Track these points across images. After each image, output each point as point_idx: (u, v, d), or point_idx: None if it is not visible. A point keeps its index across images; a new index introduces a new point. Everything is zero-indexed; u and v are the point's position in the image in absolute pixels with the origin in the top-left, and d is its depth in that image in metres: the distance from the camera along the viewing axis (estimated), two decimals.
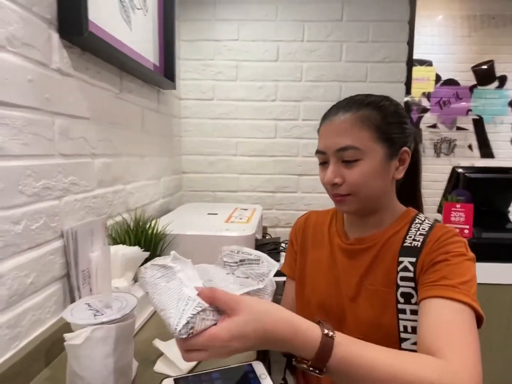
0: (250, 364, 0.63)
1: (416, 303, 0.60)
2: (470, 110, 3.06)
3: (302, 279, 0.76)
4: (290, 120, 1.53)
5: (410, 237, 0.65)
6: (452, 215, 1.40)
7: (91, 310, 0.55)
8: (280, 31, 1.49)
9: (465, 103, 3.06)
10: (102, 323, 0.52)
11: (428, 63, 3.04)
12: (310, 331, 0.43)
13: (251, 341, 0.42)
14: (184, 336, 0.40)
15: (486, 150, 3.08)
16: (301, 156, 1.55)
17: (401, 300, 0.61)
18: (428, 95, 3.04)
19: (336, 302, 0.68)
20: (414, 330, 0.60)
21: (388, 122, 0.64)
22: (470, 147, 3.07)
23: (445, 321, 0.52)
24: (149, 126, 1.18)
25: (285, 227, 1.55)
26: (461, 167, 1.56)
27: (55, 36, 0.68)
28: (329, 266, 0.72)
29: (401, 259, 0.63)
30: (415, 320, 0.59)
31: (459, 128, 3.07)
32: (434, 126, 3.06)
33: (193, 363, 0.63)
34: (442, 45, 3.02)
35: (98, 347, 0.51)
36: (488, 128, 3.08)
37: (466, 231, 1.36)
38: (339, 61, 1.50)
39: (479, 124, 3.07)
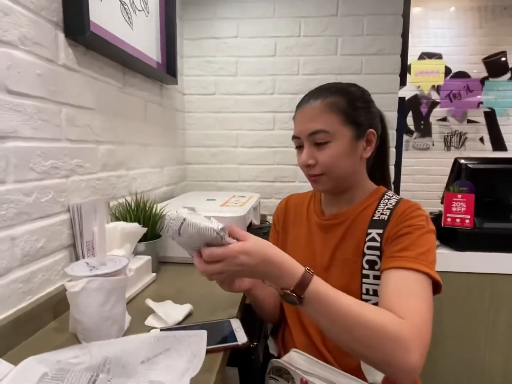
0: (229, 320, 0.72)
1: (379, 270, 0.67)
2: (481, 102, 3.02)
3: None
4: (288, 112, 1.60)
5: (379, 211, 0.71)
6: (453, 205, 1.42)
7: (89, 267, 0.65)
8: (278, 28, 1.56)
9: (476, 95, 3.02)
10: (97, 275, 0.61)
11: (438, 56, 3.02)
12: (297, 265, 0.56)
13: (254, 259, 0.54)
14: (222, 235, 0.53)
15: (498, 143, 3.04)
16: None
17: (366, 266, 0.68)
18: (437, 88, 3.03)
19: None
20: (375, 292, 0.67)
21: (355, 107, 0.70)
22: (481, 140, 3.04)
23: (403, 290, 0.59)
24: (152, 118, 1.28)
25: None
26: (464, 158, 1.57)
27: (61, 36, 0.78)
28: (306, 242, 0.80)
29: (369, 231, 0.70)
30: (377, 284, 0.66)
31: (470, 121, 3.04)
32: (444, 119, 3.04)
33: (181, 318, 0.72)
34: (453, 38, 3.00)
35: (93, 296, 0.61)
36: (501, 120, 3.03)
37: (467, 221, 1.38)
38: (334, 54, 1.55)
39: (491, 117, 3.03)
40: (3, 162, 0.63)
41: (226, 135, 1.66)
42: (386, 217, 0.69)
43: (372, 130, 0.72)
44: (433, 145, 3.04)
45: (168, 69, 1.34)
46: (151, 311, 0.74)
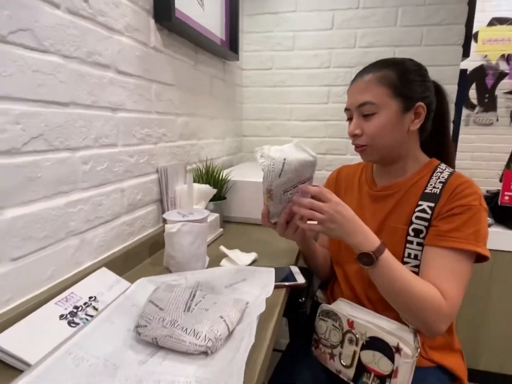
0: (289, 266, 0.85)
1: (423, 238, 0.73)
2: None
3: None
4: (342, 86, 1.64)
5: (431, 184, 0.75)
6: None
7: (180, 214, 0.81)
8: (336, 0, 1.57)
9: None
10: (188, 220, 0.77)
11: (510, 21, 2.75)
12: (373, 233, 0.70)
13: (349, 213, 0.69)
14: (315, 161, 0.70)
15: None
16: None
17: (411, 234, 0.74)
18: (507, 58, 2.78)
19: None
20: (415, 257, 0.74)
21: (406, 80, 0.74)
22: None
23: (448, 270, 0.68)
24: (216, 93, 1.41)
25: None
26: None
27: (152, 22, 0.91)
28: (357, 211, 0.87)
29: (420, 202, 0.75)
30: (419, 250, 0.74)
31: None
32: None
33: (249, 261, 0.86)
34: None
35: (185, 237, 0.77)
36: None
37: None
38: (394, 26, 1.54)
39: None
40: (115, 129, 0.79)
41: (280, 108, 1.75)
42: (438, 190, 0.73)
43: (421, 103, 0.74)
44: (497, 120, 2.84)
45: (231, 45, 1.44)
46: (224, 256, 0.90)
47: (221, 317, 0.55)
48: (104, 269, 0.72)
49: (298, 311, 0.95)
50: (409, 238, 0.75)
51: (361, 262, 0.68)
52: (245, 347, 0.49)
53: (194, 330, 0.52)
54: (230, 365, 0.47)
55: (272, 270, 0.73)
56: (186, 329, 0.52)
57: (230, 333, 0.55)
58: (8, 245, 0.55)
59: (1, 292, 0.55)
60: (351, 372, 0.71)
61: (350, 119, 0.80)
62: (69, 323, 0.57)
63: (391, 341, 0.66)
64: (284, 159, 0.68)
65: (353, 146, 0.81)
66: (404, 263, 0.74)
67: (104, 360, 0.49)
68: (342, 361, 0.73)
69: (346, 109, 0.80)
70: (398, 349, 0.65)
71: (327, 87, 1.67)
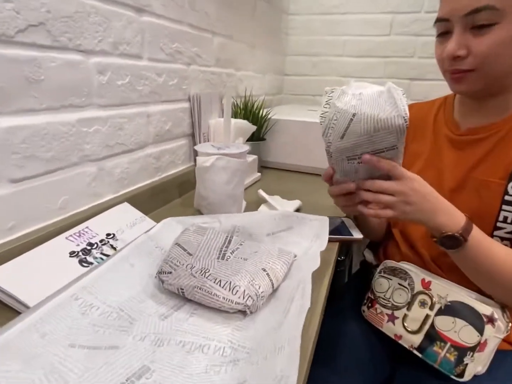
0: (341, 218, 0.71)
1: None
2: None
3: None
4: (410, 13, 1.35)
5: None
6: None
7: (215, 147, 0.67)
8: None
9: None
10: (225, 154, 0.63)
11: None
12: (456, 209, 0.54)
13: (427, 189, 0.53)
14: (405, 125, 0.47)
15: None
16: (417, 57, 1.39)
17: (511, 192, 0.57)
18: None
19: None
20: None
21: None
22: None
23: None
24: (259, 16, 1.19)
25: None
26: None
27: None
28: (430, 158, 0.68)
29: None
30: None
31: None
32: None
33: (292, 210, 0.73)
34: None
35: (220, 174, 0.64)
36: None
37: None
38: None
39: None
40: (140, 36, 0.64)
41: (331, 41, 1.50)
42: None
43: None
44: None
45: None
46: (263, 201, 0.77)
47: (264, 270, 0.44)
48: (126, 204, 0.62)
49: (336, 270, 0.82)
50: (507, 197, 0.57)
51: (444, 246, 0.53)
52: (299, 311, 0.37)
53: (230, 283, 0.41)
54: (278, 332, 0.35)
55: (326, 218, 0.59)
56: (220, 280, 0.41)
57: (274, 291, 0.44)
58: (5, 162, 0.44)
59: (1, 218, 0.45)
60: (417, 339, 0.58)
61: (444, 33, 0.58)
62: (81, 262, 0.47)
63: (483, 309, 0.52)
64: (353, 115, 0.46)
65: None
66: (497, 228, 0.58)
67: (119, 310, 0.39)
68: (406, 324, 0.60)
69: (441, 20, 0.57)
70: (491, 320, 0.51)
71: (390, 14, 1.38)
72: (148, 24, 0.65)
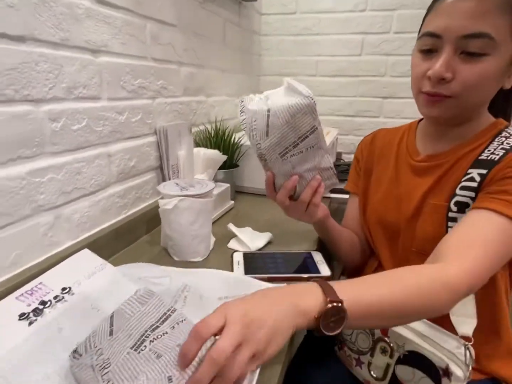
0: (310, 252, 0.70)
1: None
2: None
3: (364, 198, 0.75)
4: (379, 34, 1.38)
5: (489, 150, 0.56)
6: None
7: (178, 187, 0.66)
8: None
9: None
10: (187, 195, 0.62)
11: None
12: (305, 283, 0.42)
13: (250, 299, 0.39)
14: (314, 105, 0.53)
15: None
16: (389, 76, 1.41)
17: (454, 208, 0.56)
18: None
19: (394, 219, 0.66)
20: None
21: None
22: None
23: (478, 232, 0.49)
24: (230, 40, 1.20)
25: None
26: None
27: None
28: (391, 184, 0.69)
29: (470, 170, 0.56)
30: None
31: None
32: None
33: (261, 244, 0.72)
34: None
35: (184, 215, 0.62)
36: None
37: None
38: None
39: None
40: (97, 77, 0.63)
41: (304, 62, 1.51)
42: (497, 157, 0.54)
43: None
44: None
45: None
46: (233, 235, 0.76)
47: (169, 379, 0.33)
48: (86, 250, 0.60)
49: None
50: (450, 214, 0.56)
51: (328, 332, 0.39)
52: None
53: None
54: None
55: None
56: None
57: None
58: None
59: None
60: None
61: (428, 51, 0.55)
62: (31, 323, 0.45)
63: (438, 361, 0.51)
64: (268, 110, 0.53)
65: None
66: None
67: None
68: (372, 372, 0.60)
69: (431, 35, 0.53)
70: (447, 373, 0.50)
71: (361, 35, 1.41)
72: (106, 65, 0.64)
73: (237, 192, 1.08)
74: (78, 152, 0.60)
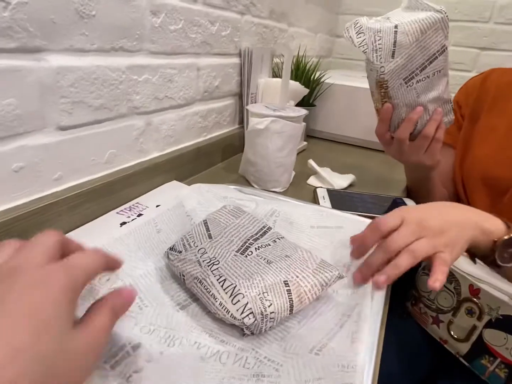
0: (401, 198, 0.64)
1: None
2: None
3: (464, 148, 0.66)
4: None
5: None
6: None
7: (270, 108, 0.61)
8: None
9: None
10: (281, 117, 0.57)
11: None
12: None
13: (426, 209, 0.40)
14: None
15: None
16: (493, 22, 1.21)
17: None
18: None
19: (505, 174, 0.58)
20: None
21: None
22: None
23: None
24: None
25: None
26: None
27: None
28: (507, 136, 0.60)
29: None
30: None
31: None
32: None
33: (345, 184, 0.67)
34: None
35: (273, 138, 0.58)
36: None
37: None
38: None
39: None
40: None
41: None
42: None
43: None
44: None
45: None
46: (312, 173, 0.71)
47: (286, 284, 0.32)
48: (175, 182, 0.59)
49: None
50: None
51: (502, 260, 0.38)
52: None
53: (234, 287, 0.31)
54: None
55: None
56: (225, 280, 0.32)
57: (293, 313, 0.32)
58: (55, 106, 0.40)
59: (48, 167, 0.42)
60: (464, 347, 0.53)
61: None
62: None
63: None
64: (396, 26, 0.47)
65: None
66: None
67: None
68: (452, 331, 0.55)
69: None
70: None
71: None
72: None
73: (308, 136, 1.01)
74: (172, 57, 0.56)
